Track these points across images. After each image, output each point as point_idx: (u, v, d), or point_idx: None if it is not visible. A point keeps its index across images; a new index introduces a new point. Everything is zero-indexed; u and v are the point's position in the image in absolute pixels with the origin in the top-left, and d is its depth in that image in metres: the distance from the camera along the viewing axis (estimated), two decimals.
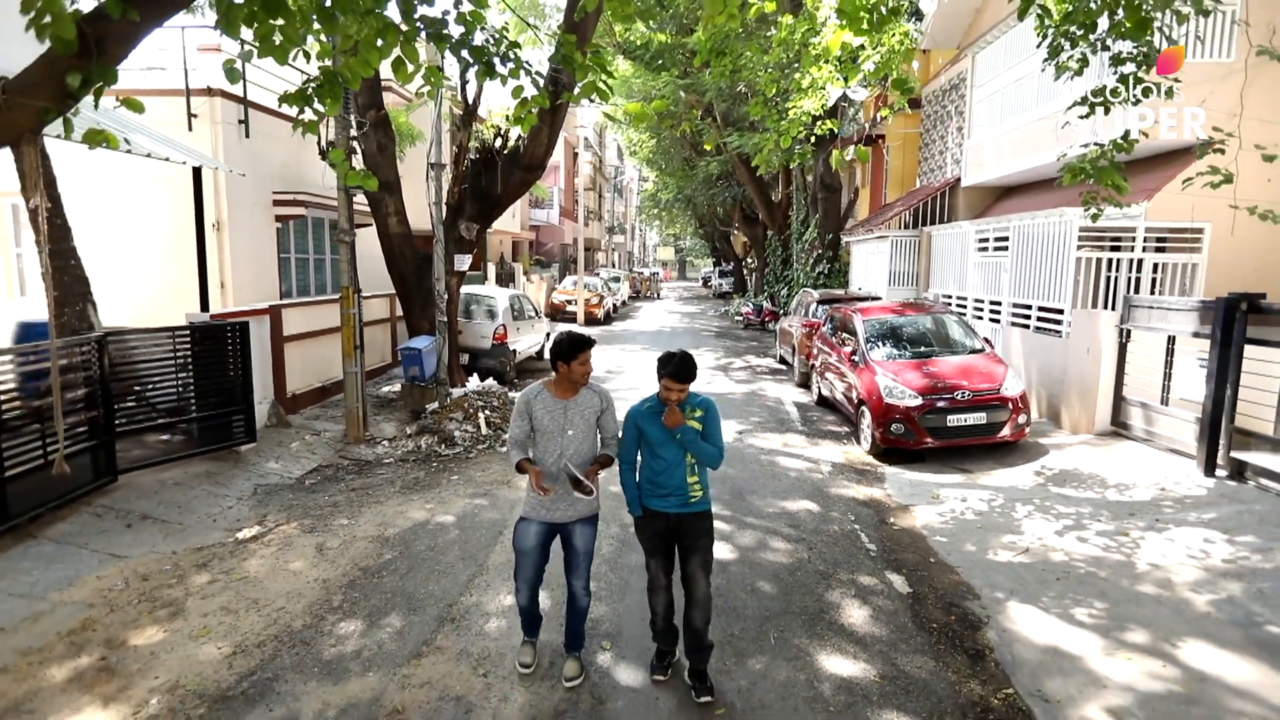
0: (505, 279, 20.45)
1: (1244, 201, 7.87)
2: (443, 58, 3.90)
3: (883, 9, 4.29)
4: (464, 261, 10.62)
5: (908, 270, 14.13)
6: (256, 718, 3.38)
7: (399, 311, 12.45)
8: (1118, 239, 8.80)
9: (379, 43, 3.05)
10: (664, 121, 20.34)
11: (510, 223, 21.41)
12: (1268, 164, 5.34)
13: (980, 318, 10.92)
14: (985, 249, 10.91)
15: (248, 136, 9.57)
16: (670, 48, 18.53)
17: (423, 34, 3.29)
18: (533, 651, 3.80)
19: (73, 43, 2.45)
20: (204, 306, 7.64)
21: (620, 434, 3.64)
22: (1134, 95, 4.63)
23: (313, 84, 3.03)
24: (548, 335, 14.73)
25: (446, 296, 9.92)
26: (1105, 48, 4.69)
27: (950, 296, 12.18)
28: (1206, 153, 5.00)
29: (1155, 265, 8.73)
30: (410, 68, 3.24)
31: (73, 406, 5.70)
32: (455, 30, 3.24)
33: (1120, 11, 4.36)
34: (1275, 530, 5.11)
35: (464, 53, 3.26)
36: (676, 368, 3.39)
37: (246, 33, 2.75)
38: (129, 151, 5.98)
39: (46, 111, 2.59)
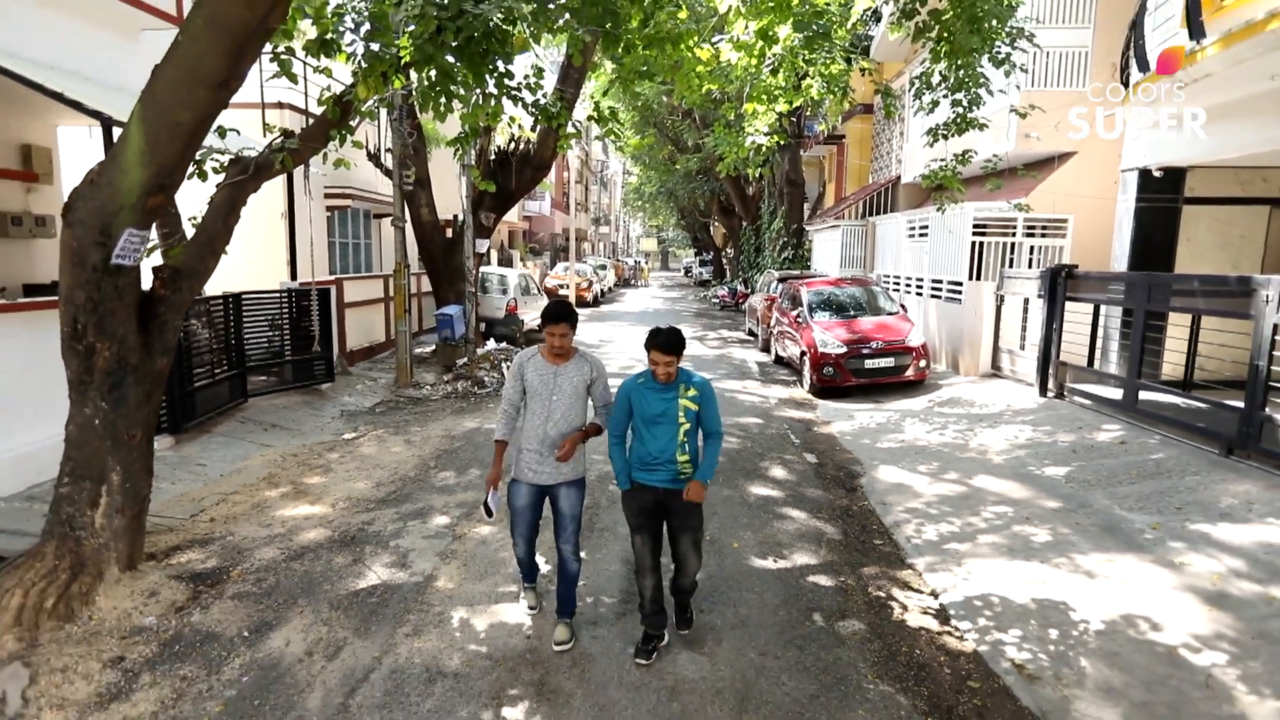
0: (505, 263, 22.59)
1: (1100, 195, 10.26)
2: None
3: (775, 93, 6.62)
4: (483, 245, 12.77)
5: (857, 255, 16.50)
6: (407, 507, 5.63)
7: (423, 289, 14.62)
8: (1015, 228, 11.14)
9: (484, 104, 5.23)
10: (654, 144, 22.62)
11: (509, 213, 23.50)
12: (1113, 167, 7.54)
13: (909, 292, 13.27)
14: (913, 235, 13.25)
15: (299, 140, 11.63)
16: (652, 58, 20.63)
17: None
18: (535, 594, 4.08)
19: (337, 111, 4.62)
20: (293, 276, 9.78)
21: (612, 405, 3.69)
22: (962, 127, 6.94)
23: (462, 135, 5.24)
24: None
25: (475, 274, 12.09)
26: (946, 95, 6.99)
27: (889, 275, 14.54)
28: (994, 168, 7.34)
29: (1041, 249, 11.10)
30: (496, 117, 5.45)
31: (219, 345, 7.85)
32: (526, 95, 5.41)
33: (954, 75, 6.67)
34: (1065, 423, 7.49)
35: (531, 108, 5.44)
36: (663, 339, 3.40)
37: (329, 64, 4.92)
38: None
39: (316, 149, 4.76)
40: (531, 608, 4.04)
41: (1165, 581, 4.23)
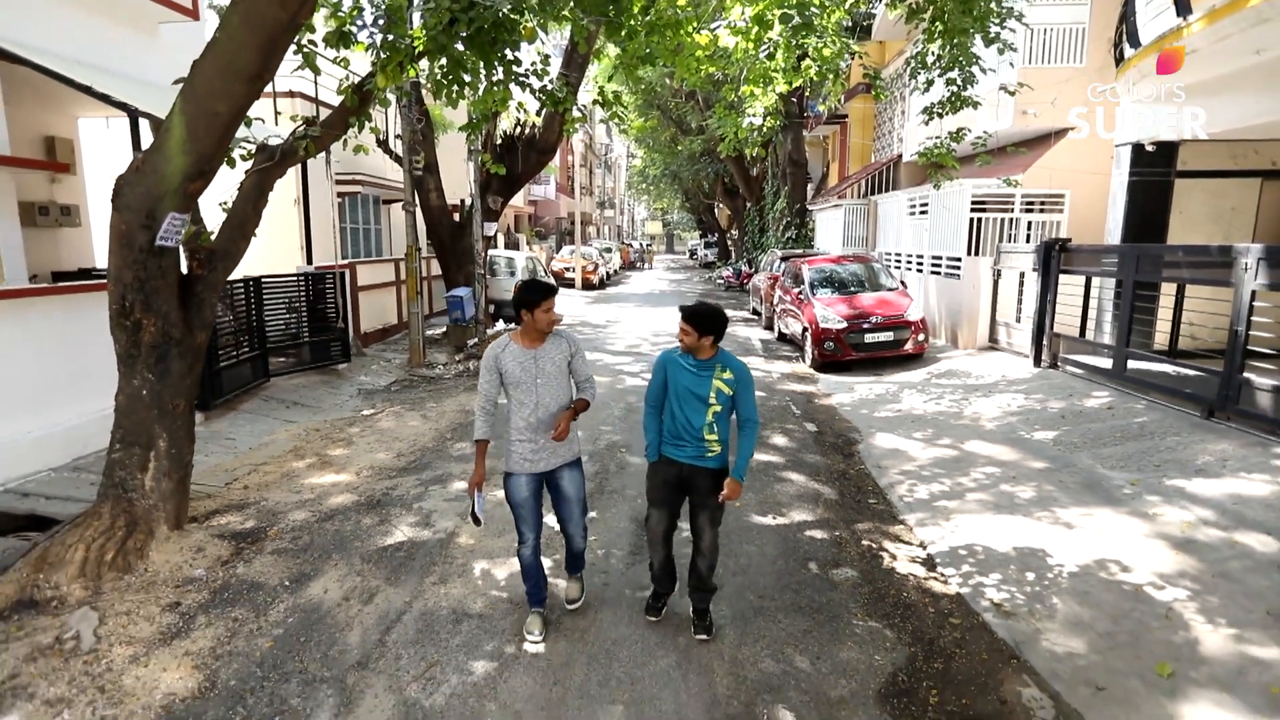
0: (512, 247, 22.85)
1: (1096, 171, 10.42)
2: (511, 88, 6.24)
3: (771, 75, 6.91)
4: (491, 228, 13.06)
5: (859, 233, 16.69)
6: (427, 474, 5.97)
7: (433, 272, 14.91)
8: (1013, 204, 11.32)
9: (494, 90, 5.49)
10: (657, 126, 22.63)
11: (515, 197, 23.73)
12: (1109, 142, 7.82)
13: (910, 269, 13.50)
14: (914, 213, 13.45)
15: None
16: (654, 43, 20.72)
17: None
18: (542, 620, 3.65)
19: (356, 100, 4.89)
20: (309, 260, 10.09)
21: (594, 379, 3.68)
22: (956, 106, 7.15)
23: (474, 117, 5.50)
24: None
25: (483, 256, 12.38)
26: (940, 74, 7.20)
27: (890, 253, 14.75)
28: (983, 145, 7.54)
29: (1039, 224, 11.28)
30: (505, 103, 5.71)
31: (242, 326, 8.17)
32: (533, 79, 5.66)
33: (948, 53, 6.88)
34: (1057, 391, 7.75)
35: (538, 93, 5.68)
36: (689, 312, 3.33)
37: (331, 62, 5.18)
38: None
39: (337, 136, 5.04)
40: (537, 638, 3.55)
41: (1138, 530, 4.53)
